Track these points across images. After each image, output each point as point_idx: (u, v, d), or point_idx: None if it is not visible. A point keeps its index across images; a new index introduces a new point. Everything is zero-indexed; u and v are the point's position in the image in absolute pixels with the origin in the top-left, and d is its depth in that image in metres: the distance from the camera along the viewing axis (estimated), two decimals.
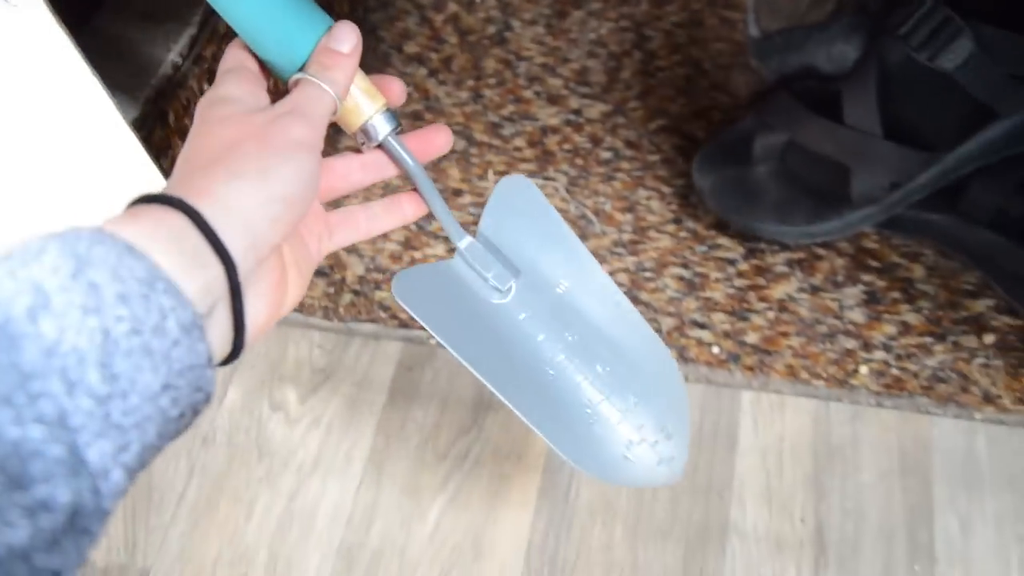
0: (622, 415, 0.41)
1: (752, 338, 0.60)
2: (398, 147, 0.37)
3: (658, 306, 0.62)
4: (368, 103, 0.35)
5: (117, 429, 0.23)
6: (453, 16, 0.78)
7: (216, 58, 0.59)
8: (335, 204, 0.39)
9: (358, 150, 0.38)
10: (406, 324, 0.63)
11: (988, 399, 0.56)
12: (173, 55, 0.55)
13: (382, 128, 0.36)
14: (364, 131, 0.36)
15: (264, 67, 0.35)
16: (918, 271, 0.62)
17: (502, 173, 0.69)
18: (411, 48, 0.77)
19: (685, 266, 0.64)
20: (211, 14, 0.57)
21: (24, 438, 0.20)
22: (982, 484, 0.54)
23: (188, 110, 0.56)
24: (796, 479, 0.56)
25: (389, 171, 0.38)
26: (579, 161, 0.69)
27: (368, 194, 0.64)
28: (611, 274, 0.63)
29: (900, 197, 0.58)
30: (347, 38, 0.33)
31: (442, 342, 0.39)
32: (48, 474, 0.21)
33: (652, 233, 0.65)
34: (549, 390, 0.40)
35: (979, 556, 0.52)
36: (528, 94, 0.74)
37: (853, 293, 0.61)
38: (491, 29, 0.77)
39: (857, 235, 0.64)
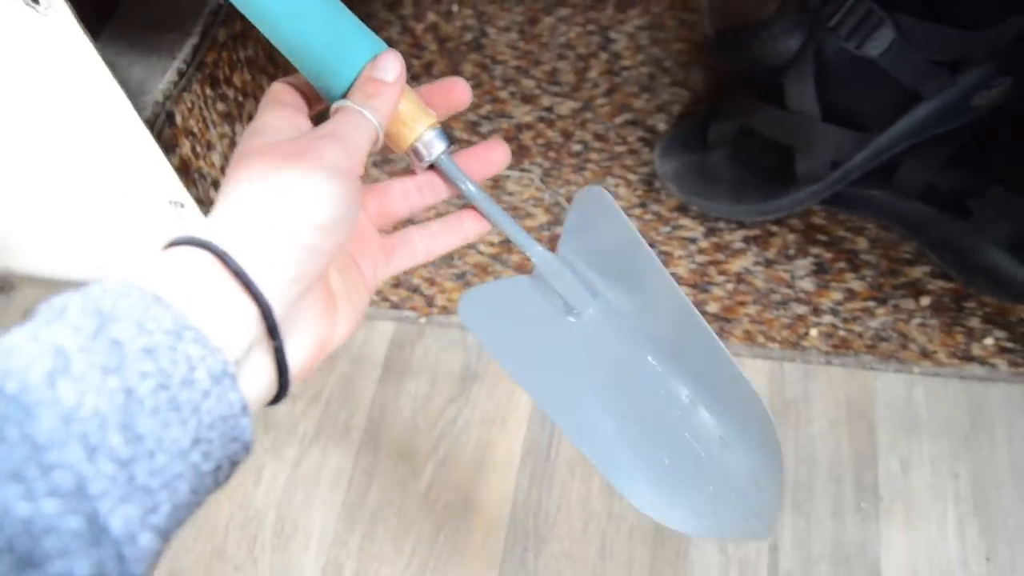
0: (709, 458, 0.36)
1: (713, 308, 0.66)
2: (451, 167, 0.35)
3: None
4: (416, 122, 0.33)
5: (143, 491, 0.22)
6: (432, 25, 0.84)
7: (217, 64, 0.64)
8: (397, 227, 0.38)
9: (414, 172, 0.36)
10: (397, 306, 0.68)
11: (925, 355, 0.62)
12: (178, 62, 0.61)
13: (433, 148, 0.34)
14: (414, 151, 0.34)
15: (311, 94, 0.34)
16: (861, 243, 0.68)
17: None
18: None
19: (651, 245, 0.69)
20: (212, 25, 0.63)
21: (36, 513, 0.20)
22: (920, 430, 0.60)
23: (192, 112, 0.61)
24: None
25: (448, 191, 0.36)
26: (552, 154, 0.75)
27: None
28: None
29: (840, 175, 0.64)
30: (391, 67, 0.32)
31: (508, 371, 0.37)
32: (64, 549, 0.20)
33: None
34: (624, 423, 0.37)
35: (918, 492, 0.58)
36: (503, 94, 0.79)
37: (803, 265, 0.67)
38: (468, 36, 0.83)
39: (806, 212, 0.70)
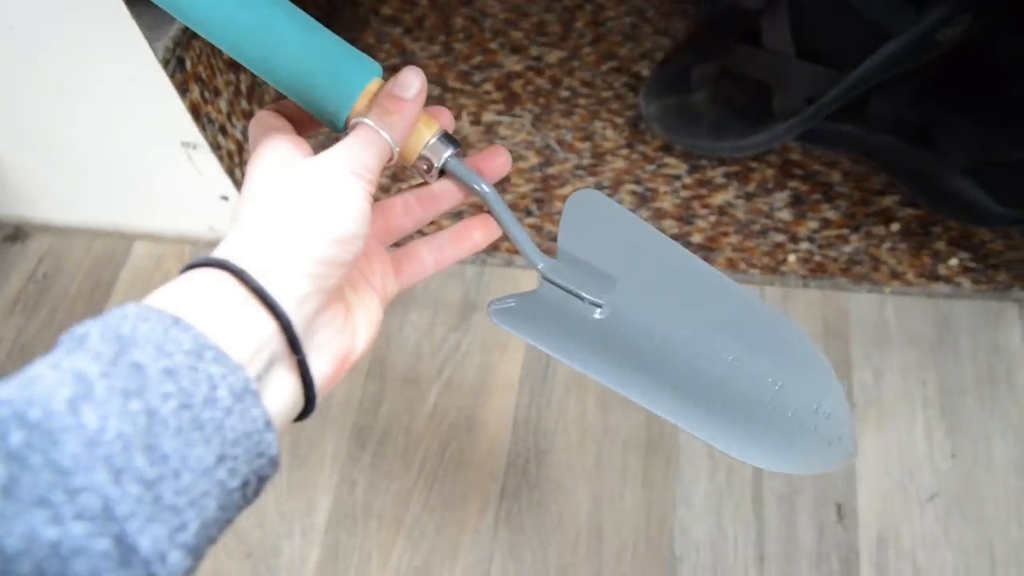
0: (768, 400, 0.37)
1: (697, 238, 0.70)
2: (462, 169, 0.35)
3: None
4: (423, 130, 0.34)
5: (171, 511, 0.22)
6: None
7: None
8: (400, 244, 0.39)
9: (420, 185, 0.37)
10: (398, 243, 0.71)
11: (895, 276, 0.67)
12: None
13: (440, 153, 0.35)
14: (424, 158, 0.35)
15: (298, 117, 0.35)
16: (835, 176, 0.72)
17: (474, 114, 0.78)
18: (387, 11, 0.86)
19: (638, 183, 0.73)
20: None
21: (65, 536, 0.20)
22: (891, 343, 0.64)
23: (201, 58, 0.64)
24: None
25: (448, 202, 0.37)
26: (541, 100, 0.79)
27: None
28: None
29: (814, 110, 0.68)
30: (412, 84, 0.32)
31: (565, 361, 0.37)
32: (94, 571, 0.20)
33: (608, 157, 0.75)
34: (687, 391, 0.37)
35: (889, 400, 0.62)
36: (493, 45, 0.83)
37: (781, 197, 0.72)
38: None
39: (783, 149, 0.74)
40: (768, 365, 0.37)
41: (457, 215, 0.67)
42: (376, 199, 0.33)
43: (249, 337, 0.26)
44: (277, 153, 0.31)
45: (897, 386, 0.63)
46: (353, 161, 0.30)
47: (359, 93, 0.33)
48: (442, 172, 0.36)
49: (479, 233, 0.38)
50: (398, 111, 0.32)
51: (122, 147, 0.65)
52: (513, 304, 0.38)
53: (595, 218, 0.38)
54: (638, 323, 0.38)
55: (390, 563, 0.59)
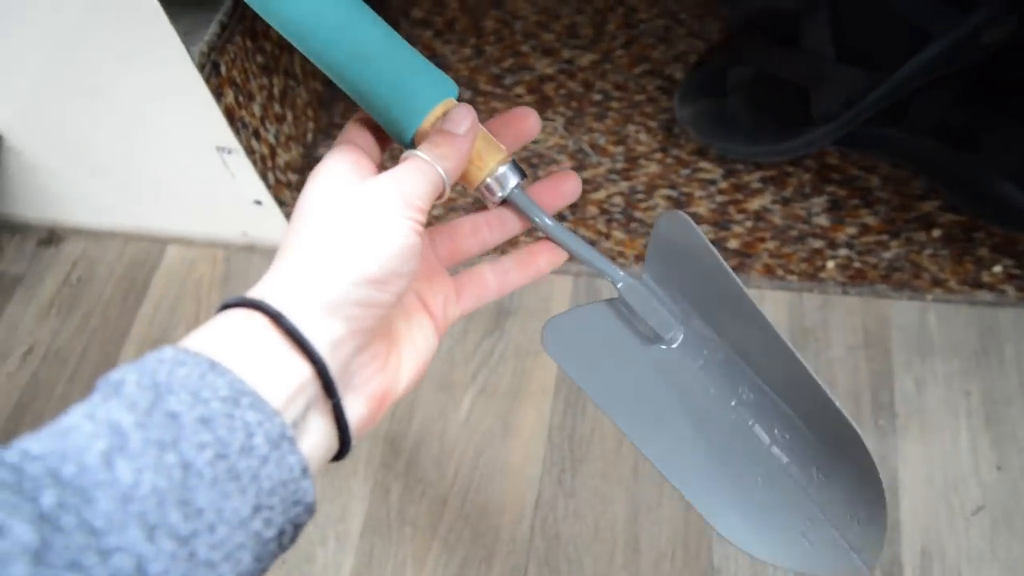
0: (804, 489, 0.35)
1: (733, 244, 0.69)
2: (525, 201, 0.34)
3: (651, 222, 0.71)
4: (487, 159, 0.33)
5: (205, 566, 0.22)
6: None
7: (256, 18, 0.67)
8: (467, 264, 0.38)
9: (485, 206, 0.36)
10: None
11: (937, 283, 0.66)
12: (220, 15, 0.63)
13: (506, 182, 0.34)
14: (486, 187, 0.34)
15: (383, 136, 0.34)
16: (874, 181, 0.71)
17: None
18: (417, 13, 0.85)
19: (672, 187, 0.73)
20: None
21: None
22: (933, 352, 0.63)
23: (235, 63, 0.64)
24: None
25: (517, 226, 0.36)
26: (574, 103, 0.78)
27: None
28: (607, 198, 0.72)
29: (854, 114, 0.67)
30: (463, 121, 0.32)
31: (594, 399, 0.37)
32: None
33: (642, 161, 0.74)
34: (714, 453, 0.36)
35: (932, 409, 0.61)
36: (525, 48, 0.82)
37: (819, 202, 0.70)
38: None
39: (820, 154, 0.73)
40: (817, 453, 0.35)
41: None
42: (432, 224, 0.32)
43: (285, 382, 0.26)
44: (332, 173, 0.31)
45: (940, 396, 0.61)
46: (404, 191, 0.29)
47: (430, 111, 0.32)
48: (505, 200, 0.35)
49: (544, 259, 0.37)
50: (448, 145, 0.31)
51: (157, 151, 0.65)
52: (575, 317, 0.36)
53: (681, 247, 0.35)
54: (694, 371, 0.36)
55: (424, 570, 0.59)
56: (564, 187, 0.36)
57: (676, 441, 0.36)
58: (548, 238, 0.36)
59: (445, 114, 0.32)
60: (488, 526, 0.60)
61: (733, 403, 0.36)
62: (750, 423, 0.36)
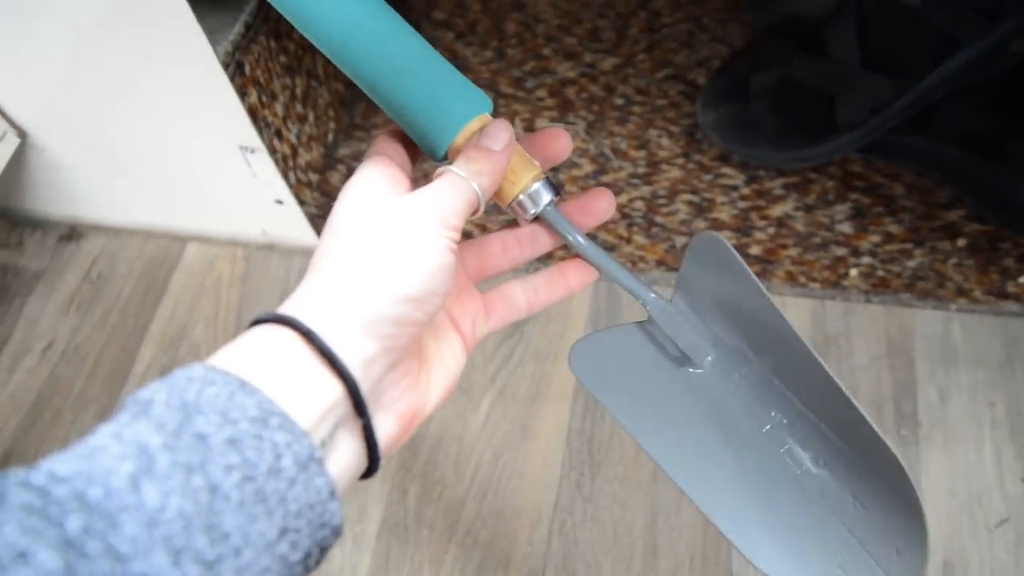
0: (840, 520, 0.34)
1: (755, 250, 0.69)
2: (559, 219, 0.34)
3: (672, 227, 0.71)
4: (520, 175, 0.33)
5: None
6: None
7: (279, 19, 0.67)
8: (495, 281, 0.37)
9: (516, 222, 0.35)
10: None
11: (961, 292, 0.65)
12: (245, 15, 0.64)
13: (540, 199, 0.33)
14: (519, 204, 0.33)
15: (415, 149, 0.34)
16: (898, 189, 0.71)
17: (527, 121, 0.78)
18: (439, 15, 0.85)
19: (694, 192, 0.72)
20: None
21: None
22: (957, 362, 0.63)
23: (260, 62, 0.64)
24: None
25: (548, 244, 0.36)
26: (595, 107, 0.78)
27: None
28: (628, 202, 0.72)
29: (879, 122, 0.66)
30: (500, 136, 0.31)
31: (622, 424, 0.36)
32: None
33: (663, 166, 0.74)
34: (747, 481, 0.35)
35: (956, 420, 0.60)
36: (547, 51, 0.82)
37: (842, 209, 0.70)
38: None
39: (843, 161, 0.72)
40: (856, 483, 0.33)
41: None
42: (469, 237, 0.32)
43: (316, 401, 0.25)
44: (365, 187, 0.30)
45: (964, 406, 0.61)
46: (439, 208, 0.29)
47: (464, 125, 0.32)
48: (537, 217, 0.34)
49: (575, 278, 0.36)
50: (484, 160, 0.31)
51: (180, 149, 0.66)
52: (604, 339, 0.36)
53: (715, 269, 0.34)
54: (726, 394, 0.35)
55: (441, 573, 0.58)
56: (598, 205, 0.35)
57: (707, 468, 0.35)
58: (580, 256, 0.36)
59: (481, 129, 0.32)
60: (506, 529, 0.60)
61: (767, 428, 0.35)
62: (784, 449, 0.35)
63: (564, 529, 0.59)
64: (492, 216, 0.73)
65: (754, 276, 0.34)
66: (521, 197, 0.33)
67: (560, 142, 0.35)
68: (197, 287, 0.73)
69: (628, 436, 0.61)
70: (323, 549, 0.25)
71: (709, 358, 0.36)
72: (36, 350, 0.71)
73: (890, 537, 0.33)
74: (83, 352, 0.71)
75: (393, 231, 0.28)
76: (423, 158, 0.35)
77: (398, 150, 0.33)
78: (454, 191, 0.30)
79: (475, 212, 0.31)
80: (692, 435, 0.35)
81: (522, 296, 0.36)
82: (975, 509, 0.57)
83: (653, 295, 0.36)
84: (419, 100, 0.32)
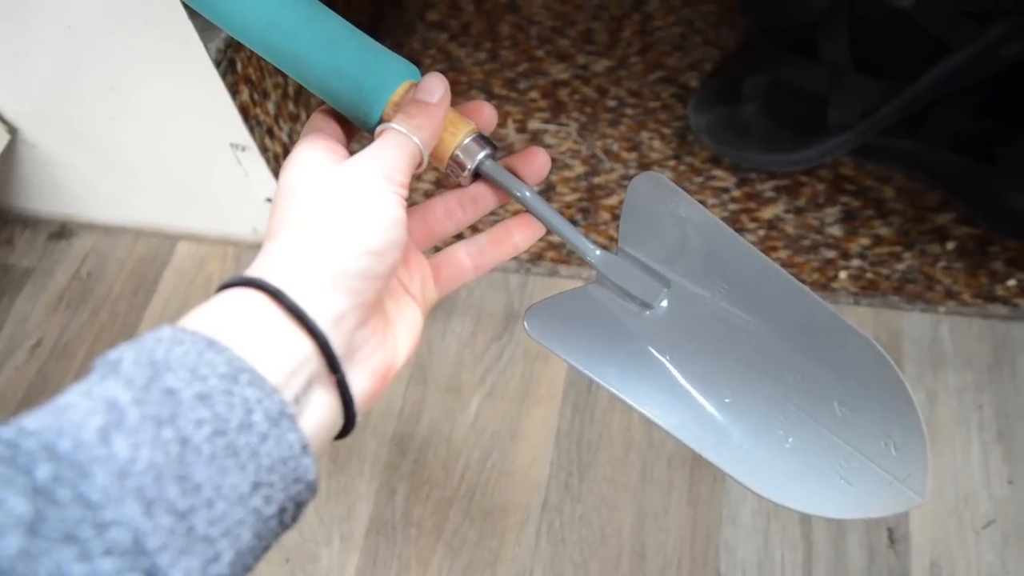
0: (828, 430, 0.33)
1: None
2: (498, 171, 0.34)
3: None
4: (455, 131, 0.33)
5: (204, 542, 0.21)
6: None
7: None
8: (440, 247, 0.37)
9: (458, 185, 0.35)
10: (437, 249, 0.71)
11: (950, 295, 0.65)
12: None
13: (476, 154, 0.33)
14: (455, 161, 0.33)
15: (349, 126, 0.34)
16: (888, 192, 0.71)
17: (520, 122, 0.78)
18: (433, 16, 0.85)
19: None
20: None
21: (93, 573, 0.19)
22: (946, 365, 0.63)
23: (251, 60, 0.64)
24: None
25: (490, 204, 0.36)
26: (588, 109, 0.78)
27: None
28: (620, 204, 0.72)
29: (870, 125, 0.67)
30: (435, 89, 0.32)
31: (597, 381, 0.35)
32: None
33: (655, 168, 0.74)
34: (728, 413, 0.34)
35: (944, 422, 0.61)
36: (540, 53, 0.82)
37: (832, 212, 0.70)
38: None
39: (834, 164, 0.72)
40: (835, 386, 0.32)
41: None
42: (415, 203, 0.32)
43: (286, 358, 0.25)
44: (309, 158, 0.31)
45: (952, 409, 0.61)
46: (385, 165, 0.30)
47: (391, 94, 0.33)
48: (477, 175, 0.34)
49: (520, 235, 0.36)
50: (422, 114, 0.31)
51: (171, 147, 0.65)
52: (557, 303, 0.35)
53: (657, 207, 0.34)
54: (692, 329, 0.35)
55: (429, 572, 0.58)
56: (533, 163, 0.35)
57: (687, 405, 0.34)
58: (524, 210, 0.35)
59: (416, 86, 0.32)
60: (494, 529, 0.60)
61: (736, 355, 0.34)
62: (760, 371, 0.34)
63: (552, 529, 0.59)
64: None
65: (698, 203, 0.33)
66: (456, 153, 0.33)
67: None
68: (187, 286, 0.73)
69: (617, 437, 0.61)
70: (298, 504, 0.25)
71: (664, 302, 0.35)
72: (25, 347, 0.71)
73: (884, 432, 0.32)
74: (71, 350, 0.71)
75: (345, 192, 0.29)
76: (358, 135, 0.35)
77: (333, 126, 0.33)
78: (395, 148, 0.30)
79: (419, 166, 0.32)
80: (667, 377, 0.35)
81: (467, 258, 0.36)
82: (963, 511, 0.57)
83: (597, 250, 0.36)
84: (349, 72, 0.32)
